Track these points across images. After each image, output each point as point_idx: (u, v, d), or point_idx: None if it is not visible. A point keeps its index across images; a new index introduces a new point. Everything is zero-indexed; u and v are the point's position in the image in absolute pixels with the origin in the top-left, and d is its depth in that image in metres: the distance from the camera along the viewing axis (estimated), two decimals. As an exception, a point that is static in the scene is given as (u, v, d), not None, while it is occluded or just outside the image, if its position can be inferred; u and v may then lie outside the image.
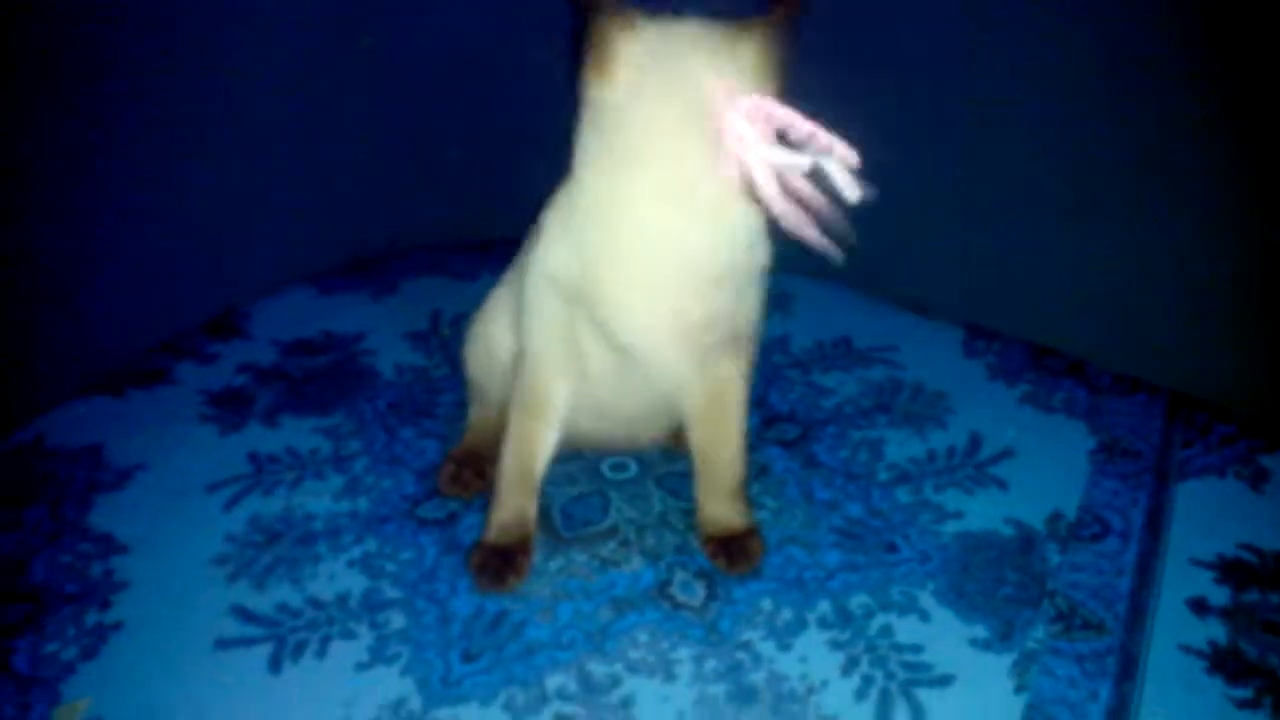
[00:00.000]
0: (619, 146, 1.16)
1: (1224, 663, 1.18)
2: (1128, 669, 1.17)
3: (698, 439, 1.32)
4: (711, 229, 1.17)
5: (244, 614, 1.25)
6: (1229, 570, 1.30)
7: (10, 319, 1.51)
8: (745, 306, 1.26)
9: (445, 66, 1.84)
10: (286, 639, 1.22)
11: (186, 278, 1.75)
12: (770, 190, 1.09)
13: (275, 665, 1.19)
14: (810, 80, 1.72)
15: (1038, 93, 1.58)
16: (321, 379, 1.65)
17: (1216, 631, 1.22)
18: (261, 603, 1.27)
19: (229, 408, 1.60)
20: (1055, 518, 1.38)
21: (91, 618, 1.24)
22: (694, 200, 1.15)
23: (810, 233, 1.10)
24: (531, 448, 1.32)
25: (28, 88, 1.42)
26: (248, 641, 1.22)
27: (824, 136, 1.09)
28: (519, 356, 1.30)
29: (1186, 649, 1.20)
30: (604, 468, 1.48)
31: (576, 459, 1.48)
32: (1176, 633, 1.22)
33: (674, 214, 1.16)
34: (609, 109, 1.15)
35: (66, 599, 1.27)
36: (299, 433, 1.55)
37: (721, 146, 1.11)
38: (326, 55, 1.73)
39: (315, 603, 1.27)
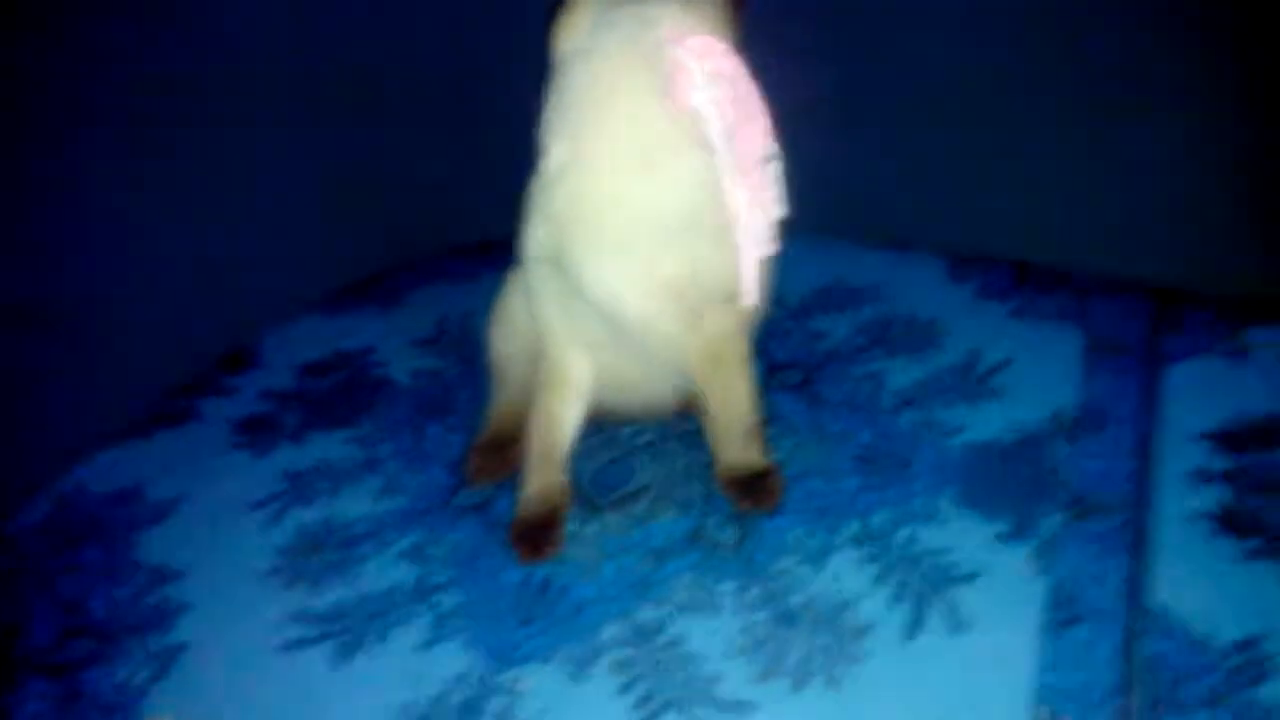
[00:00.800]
0: (578, 103, 1.21)
1: (1231, 521, 1.25)
2: (1140, 540, 1.24)
3: (705, 395, 1.38)
4: (669, 179, 1.21)
5: (304, 616, 1.31)
6: (1225, 438, 1.36)
7: (25, 377, 1.57)
8: (726, 257, 1.27)
9: (432, 77, 1.89)
10: (350, 630, 1.28)
11: (195, 319, 1.80)
12: (715, 128, 1.15)
13: (340, 658, 1.26)
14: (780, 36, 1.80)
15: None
16: (341, 395, 1.71)
17: (1221, 495, 1.29)
18: (318, 604, 1.33)
19: (257, 433, 1.66)
20: (1056, 415, 1.45)
21: (155, 642, 1.30)
22: (650, 152, 1.20)
23: (755, 179, 1.16)
24: (555, 422, 1.38)
25: (26, 134, 1.48)
26: (311, 641, 1.28)
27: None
28: (540, 336, 1.36)
29: (1193, 516, 1.27)
30: (624, 434, 1.54)
31: (597, 432, 1.55)
32: (1184, 501, 1.29)
33: (631, 168, 1.20)
34: (569, 62, 1.21)
35: (129, 629, 1.33)
36: (329, 445, 1.61)
37: (672, 87, 1.17)
38: (312, 76, 1.78)
39: (370, 597, 1.33)
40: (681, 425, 1.54)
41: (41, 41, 1.44)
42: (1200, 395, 1.45)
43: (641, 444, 1.52)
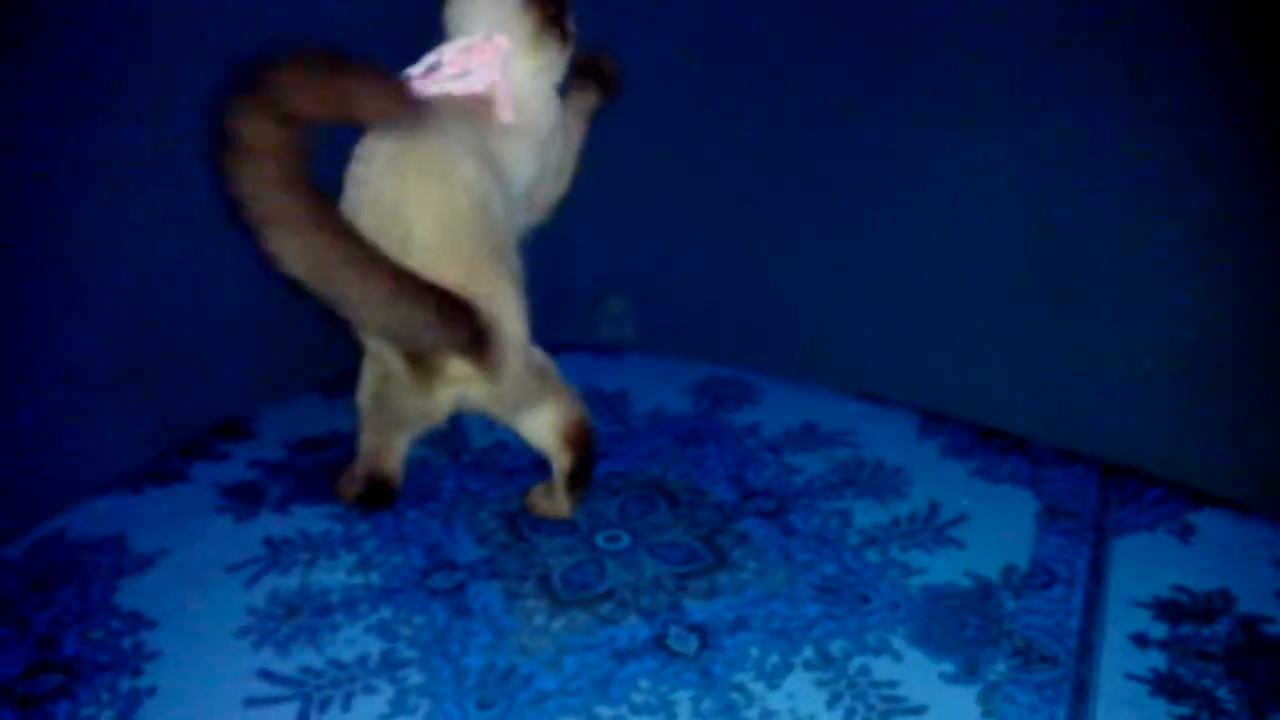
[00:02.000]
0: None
1: (1164, 686, 1.32)
2: (1081, 693, 1.31)
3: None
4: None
5: (270, 676, 1.34)
6: (1165, 608, 1.45)
7: (33, 419, 1.62)
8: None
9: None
10: (312, 695, 1.31)
11: (197, 385, 1.87)
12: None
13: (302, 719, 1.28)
14: (769, 168, 1.95)
15: (978, 192, 1.80)
16: (329, 471, 1.77)
17: (1157, 660, 1.36)
18: (286, 666, 1.36)
19: (243, 499, 1.71)
20: (1008, 569, 1.53)
21: (125, 683, 1.33)
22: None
23: None
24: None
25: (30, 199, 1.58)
26: (275, 700, 1.31)
27: None
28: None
29: (1130, 676, 1.34)
30: (599, 539, 1.61)
31: (572, 533, 1.62)
32: (1122, 663, 1.36)
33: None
34: None
35: (100, 668, 1.35)
36: (310, 519, 1.66)
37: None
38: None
39: (337, 664, 1.36)
40: (654, 536, 1.61)
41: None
42: (1144, 566, 1.54)
43: (613, 549, 1.58)
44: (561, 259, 1.78)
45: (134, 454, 1.79)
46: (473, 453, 1.84)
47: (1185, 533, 1.61)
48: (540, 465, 1.66)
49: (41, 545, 1.59)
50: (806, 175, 1.96)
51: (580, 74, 1.75)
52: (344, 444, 1.85)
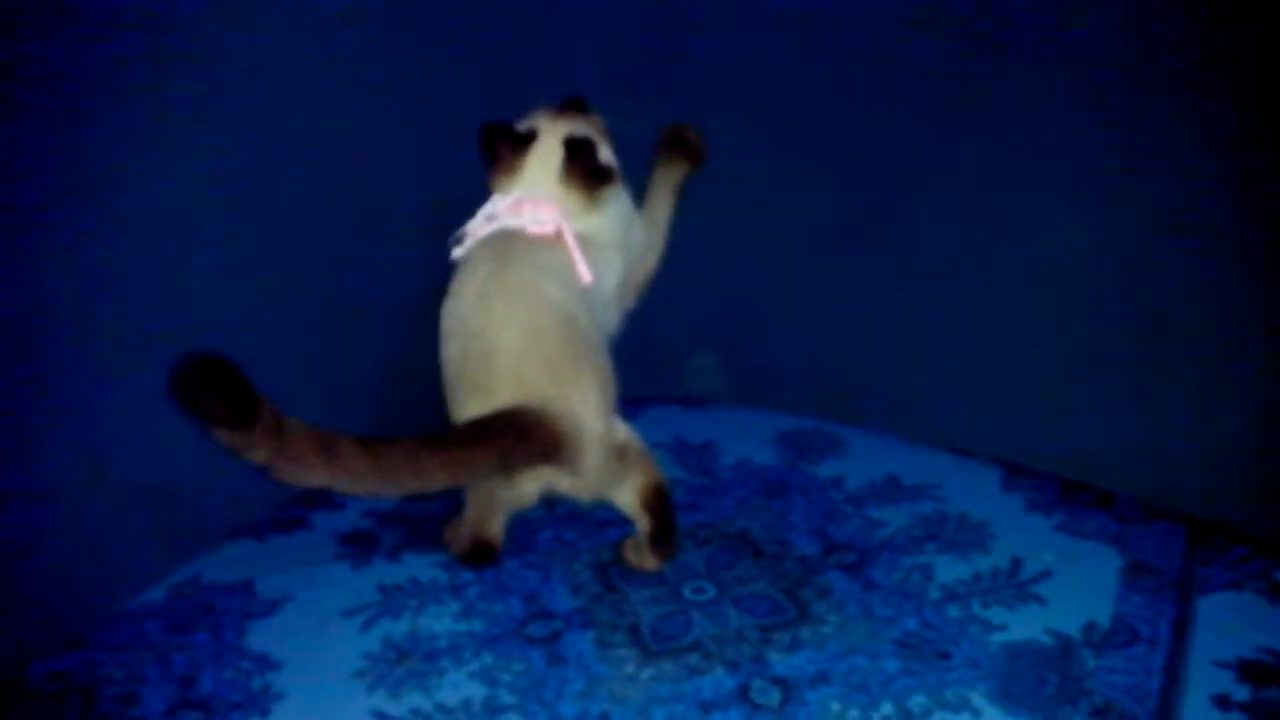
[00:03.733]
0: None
1: (1247, 750, 1.33)
2: (1160, 756, 1.33)
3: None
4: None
5: (383, 718, 1.46)
6: (1248, 670, 1.45)
7: (167, 471, 1.78)
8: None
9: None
10: (422, 736, 1.43)
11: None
12: None
13: (412, 760, 1.39)
14: (855, 222, 2.01)
15: (1062, 247, 1.83)
16: (436, 521, 1.89)
17: (1240, 723, 1.37)
18: (397, 708, 1.47)
19: (359, 547, 1.84)
20: (1090, 627, 1.55)
21: (255, 722, 1.47)
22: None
23: None
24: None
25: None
26: (388, 740, 1.43)
27: None
28: None
29: (1213, 739, 1.35)
30: (686, 591, 1.69)
31: (661, 584, 1.70)
32: (1204, 724, 1.37)
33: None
34: None
35: (233, 706, 1.49)
36: (420, 566, 1.79)
37: None
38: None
39: (444, 708, 1.47)
40: (739, 589, 1.68)
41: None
42: (1229, 626, 1.54)
43: (700, 601, 1.66)
44: (651, 314, 1.88)
45: (261, 503, 1.95)
46: (568, 504, 1.95)
47: (1272, 592, 1.60)
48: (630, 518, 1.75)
49: (180, 589, 1.75)
50: (891, 229, 2.02)
51: (667, 146, 1.85)
52: (451, 494, 1.97)
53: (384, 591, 1.73)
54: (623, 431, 1.65)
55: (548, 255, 1.63)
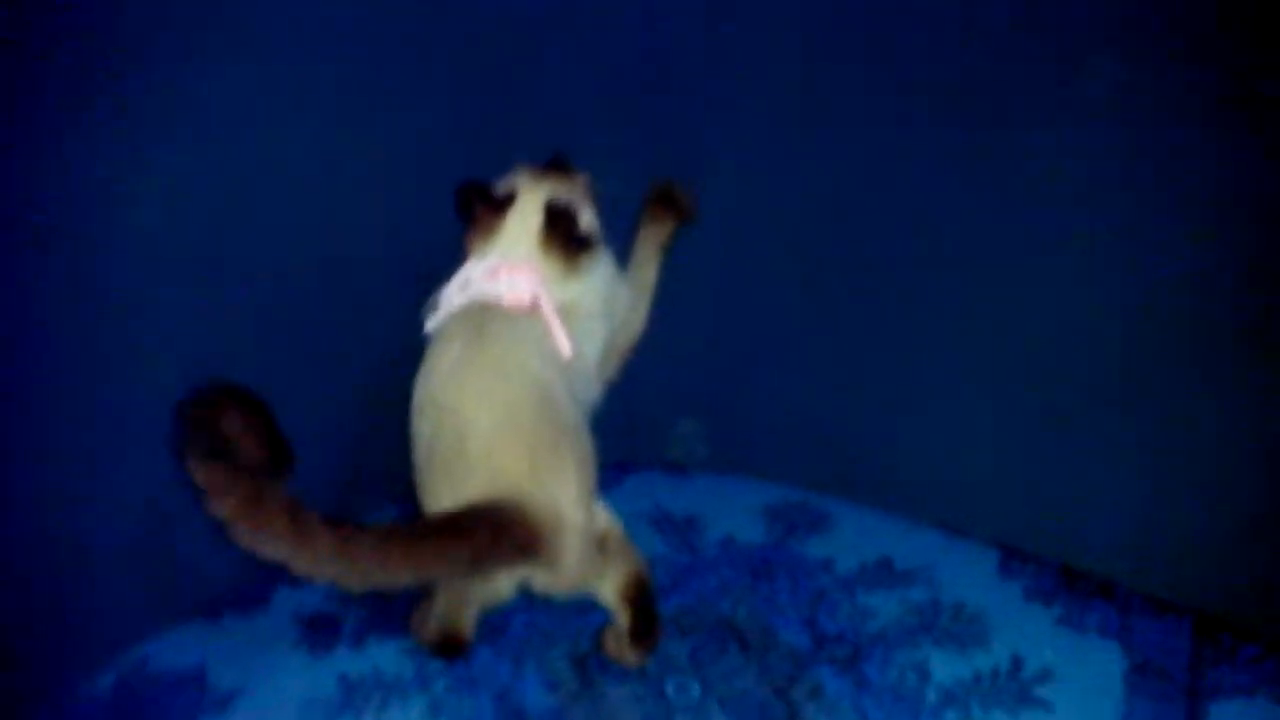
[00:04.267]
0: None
1: None
2: None
3: None
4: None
5: (341, 835, 1.35)
6: (1265, 790, 1.37)
7: (116, 548, 1.67)
8: None
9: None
10: None
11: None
12: None
13: None
14: (843, 287, 1.93)
15: (1064, 318, 1.76)
16: (405, 601, 1.78)
17: None
18: (356, 822, 1.37)
19: (320, 631, 1.73)
20: (1097, 738, 1.47)
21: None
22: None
23: None
24: None
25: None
26: None
27: None
28: None
29: None
30: (669, 688, 1.59)
31: (643, 679, 1.60)
32: None
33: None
34: None
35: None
36: (384, 655, 1.68)
37: None
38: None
39: (407, 824, 1.37)
40: (724, 686, 1.59)
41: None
42: (1244, 738, 1.47)
43: (684, 702, 1.57)
44: (633, 376, 1.79)
45: (216, 577, 1.83)
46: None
47: (1286, 698, 1.53)
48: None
49: (127, 677, 1.63)
50: (883, 291, 1.93)
51: (653, 202, 1.77)
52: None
53: (345, 685, 1.62)
54: (603, 518, 1.55)
55: (525, 327, 1.53)
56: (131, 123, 1.52)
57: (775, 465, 2.14)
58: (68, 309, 1.53)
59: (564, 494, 1.44)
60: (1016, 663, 1.62)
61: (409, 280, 1.67)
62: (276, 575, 1.82)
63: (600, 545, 1.52)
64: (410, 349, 1.59)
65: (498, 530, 1.38)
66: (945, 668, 1.61)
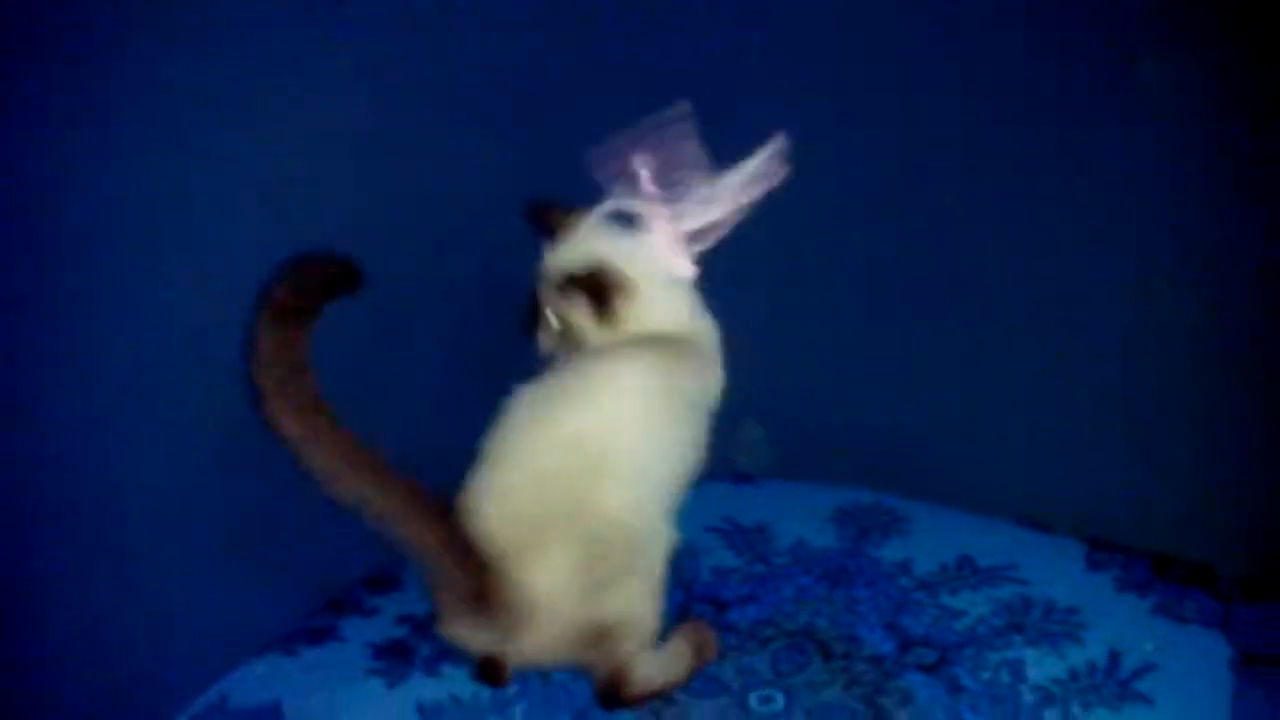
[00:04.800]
0: None
1: None
2: None
3: None
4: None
5: None
6: (1394, 780, 1.30)
7: (191, 586, 1.67)
8: None
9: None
10: None
11: (347, 538, 1.90)
12: None
13: None
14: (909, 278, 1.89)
15: (1141, 301, 1.71)
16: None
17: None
18: None
19: (394, 660, 1.71)
20: (1208, 733, 1.40)
21: None
22: None
23: None
24: None
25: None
26: None
27: None
28: None
29: None
30: (752, 701, 1.55)
31: (725, 692, 1.56)
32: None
33: None
34: None
35: None
36: (460, 680, 1.65)
37: None
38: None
39: None
40: (811, 698, 1.54)
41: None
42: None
43: (769, 713, 1.52)
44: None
45: (289, 612, 1.83)
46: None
47: (1406, 682, 1.45)
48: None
49: (207, 715, 1.62)
50: (950, 281, 1.89)
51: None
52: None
53: (423, 713, 1.59)
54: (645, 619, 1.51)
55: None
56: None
57: (843, 469, 2.09)
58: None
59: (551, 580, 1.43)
60: (1114, 658, 1.55)
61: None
62: (346, 605, 1.84)
63: (599, 637, 1.48)
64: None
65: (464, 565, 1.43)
66: (1040, 667, 1.55)
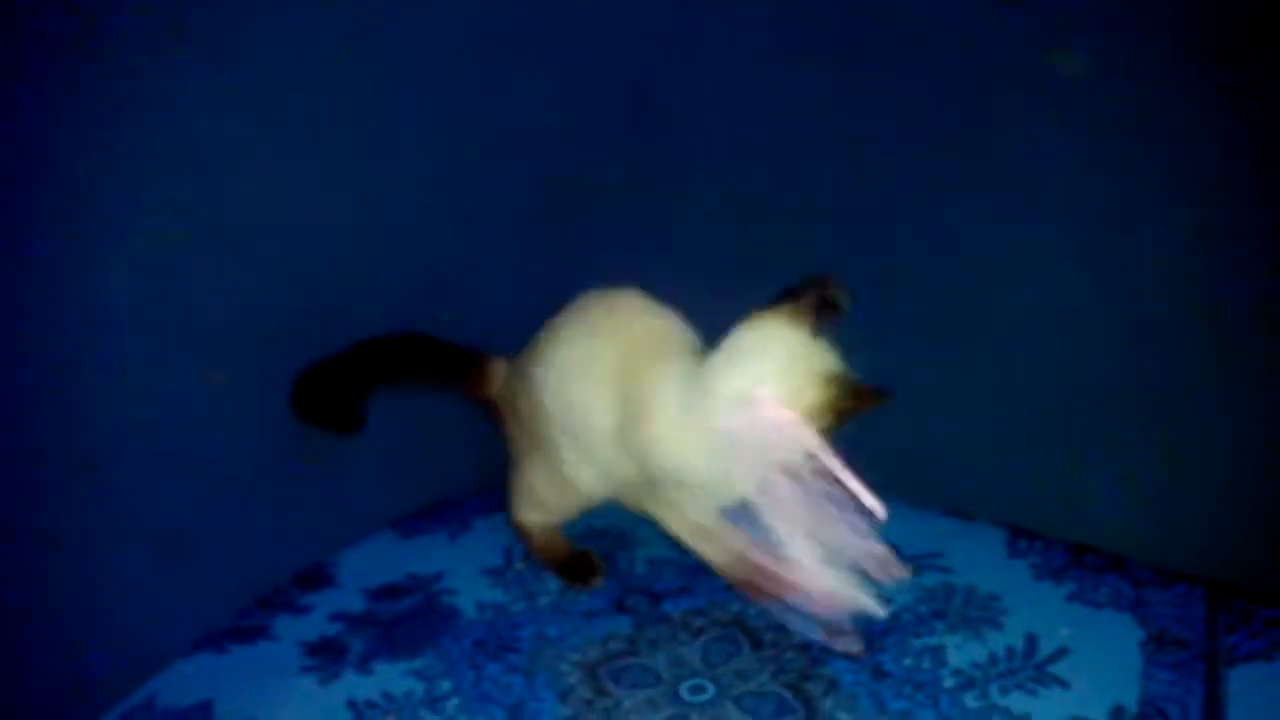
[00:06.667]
0: None
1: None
2: None
3: None
4: None
5: None
6: (1291, 753, 1.36)
7: (120, 584, 1.65)
8: None
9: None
10: None
11: (277, 535, 1.89)
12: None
13: None
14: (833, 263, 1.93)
15: (1065, 293, 1.75)
16: (408, 621, 1.76)
17: (1287, 813, 1.27)
18: None
19: (325, 657, 1.70)
20: (1117, 711, 1.45)
21: None
22: None
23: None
24: None
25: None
26: None
27: None
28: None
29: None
30: (683, 690, 1.57)
31: (657, 683, 1.58)
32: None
33: None
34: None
35: None
36: (392, 677, 1.65)
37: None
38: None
39: (426, 846, 1.34)
40: (740, 687, 1.57)
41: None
42: (1265, 700, 1.45)
43: (699, 702, 1.55)
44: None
45: (218, 610, 1.81)
46: (550, 594, 1.82)
47: (1307, 659, 1.52)
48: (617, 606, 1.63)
49: (131, 715, 1.60)
50: (877, 275, 1.92)
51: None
52: (422, 590, 1.85)
53: (354, 709, 1.59)
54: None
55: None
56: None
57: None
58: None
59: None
60: (1031, 641, 1.60)
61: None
62: (277, 603, 1.83)
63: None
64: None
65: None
66: (961, 652, 1.60)
